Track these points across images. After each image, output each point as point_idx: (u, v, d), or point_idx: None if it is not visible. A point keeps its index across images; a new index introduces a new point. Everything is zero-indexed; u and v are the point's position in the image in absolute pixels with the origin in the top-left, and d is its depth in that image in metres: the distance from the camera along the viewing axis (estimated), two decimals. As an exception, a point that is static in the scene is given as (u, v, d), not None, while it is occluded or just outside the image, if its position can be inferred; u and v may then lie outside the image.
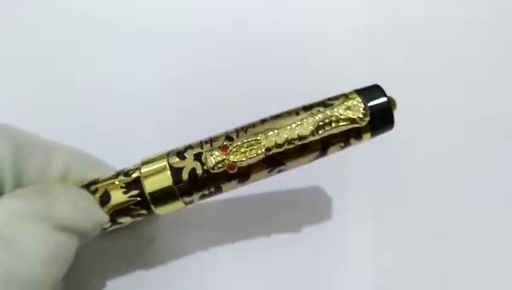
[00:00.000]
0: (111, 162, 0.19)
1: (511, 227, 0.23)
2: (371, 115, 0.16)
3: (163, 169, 0.16)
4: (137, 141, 0.22)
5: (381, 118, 0.16)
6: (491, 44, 0.24)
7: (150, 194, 0.16)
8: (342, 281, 0.22)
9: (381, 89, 0.17)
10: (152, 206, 0.17)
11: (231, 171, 0.16)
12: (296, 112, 0.17)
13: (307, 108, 0.17)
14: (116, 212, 0.17)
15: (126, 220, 0.17)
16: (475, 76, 0.24)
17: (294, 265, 0.22)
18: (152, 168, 0.17)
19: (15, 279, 0.13)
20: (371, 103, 0.16)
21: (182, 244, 0.21)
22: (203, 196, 0.17)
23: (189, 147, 0.17)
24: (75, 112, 0.23)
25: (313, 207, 0.23)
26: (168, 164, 0.16)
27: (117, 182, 0.17)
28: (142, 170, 0.17)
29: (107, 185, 0.17)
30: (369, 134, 0.17)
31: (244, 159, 0.16)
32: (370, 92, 0.17)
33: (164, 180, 0.16)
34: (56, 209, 0.14)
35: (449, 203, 0.23)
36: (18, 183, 0.15)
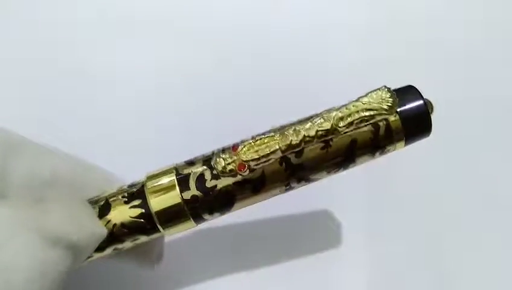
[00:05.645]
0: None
1: (503, 227, 0.23)
2: (405, 120, 0.14)
3: (171, 185, 0.14)
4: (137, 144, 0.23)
5: (416, 124, 0.14)
6: (490, 44, 0.24)
7: (157, 213, 0.14)
8: (337, 281, 0.22)
9: (417, 90, 0.14)
10: (160, 227, 0.15)
11: (241, 173, 0.13)
12: (316, 114, 0.14)
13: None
14: (118, 235, 0.15)
15: (127, 244, 0.15)
16: (474, 75, 0.24)
17: (287, 265, 0.22)
18: (159, 183, 0.15)
19: None
20: (405, 107, 0.14)
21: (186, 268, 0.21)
22: (213, 211, 0.15)
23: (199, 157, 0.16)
24: (74, 112, 0.23)
25: (308, 212, 0.23)
26: (176, 178, 0.15)
27: (120, 198, 0.15)
28: (148, 186, 0.15)
29: (111, 200, 0.15)
30: (403, 142, 0.15)
31: (256, 157, 0.13)
32: (403, 93, 0.14)
33: (172, 197, 0.14)
34: (48, 220, 0.13)
35: (441, 204, 0.23)
36: (3, 181, 0.14)
